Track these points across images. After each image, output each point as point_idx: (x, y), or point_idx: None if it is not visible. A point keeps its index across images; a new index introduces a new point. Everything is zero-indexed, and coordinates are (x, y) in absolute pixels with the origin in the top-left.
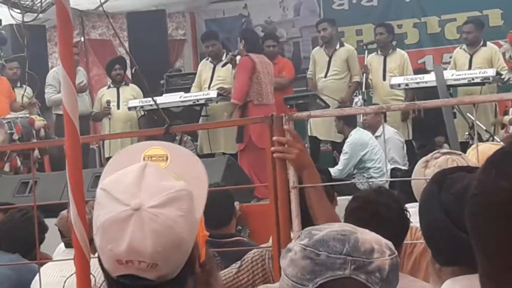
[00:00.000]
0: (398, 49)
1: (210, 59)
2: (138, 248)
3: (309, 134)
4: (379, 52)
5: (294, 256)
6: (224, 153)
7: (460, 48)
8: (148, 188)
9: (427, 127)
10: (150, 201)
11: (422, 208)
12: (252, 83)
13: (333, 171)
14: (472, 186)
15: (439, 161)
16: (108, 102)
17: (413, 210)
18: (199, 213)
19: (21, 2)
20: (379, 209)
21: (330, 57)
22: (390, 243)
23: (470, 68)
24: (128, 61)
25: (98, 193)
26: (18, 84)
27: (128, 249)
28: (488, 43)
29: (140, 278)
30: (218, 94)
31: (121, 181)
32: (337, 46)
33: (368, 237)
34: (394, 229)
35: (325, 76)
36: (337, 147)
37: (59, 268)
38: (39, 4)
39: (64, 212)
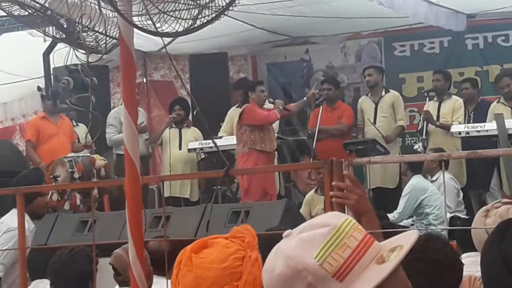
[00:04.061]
0: (453, 96)
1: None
2: None
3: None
4: (435, 98)
5: None
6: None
7: (498, 101)
8: None
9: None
10: None
11: (483, 257)
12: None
13: (392, 215)
14: None
15: (499, 210)
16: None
17: (472, 259)
18: None
19: (86, 42)
20: (437, 256)
21: (377, 104)
22: None
23: None
24: (189, 103)
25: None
26: (74, 124)
27: None
28: None
29: None
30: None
31: None
32: (383, 93)
33: None
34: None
35: (374, 123)
36: (392, 192)
37: None
38: (104, 45)
39: (118, 250)
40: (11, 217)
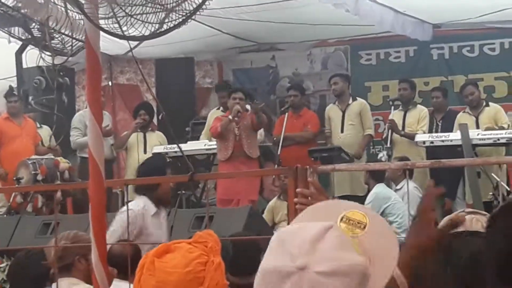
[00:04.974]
0: (419, 105)
1: (221, 108)
2: None
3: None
4: (401, 107)
5: None
6: None
7: (464, 111)
8: (322, 251)
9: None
10: (318, 266)
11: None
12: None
13: None
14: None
15: None
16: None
17: None
18: None
19: (52, 44)
20: None
21: (344, 112)
22: None
23: (478, 127)
24: (155, 107)
25: (274, 237)
26: (38, 125)
27: None
28: (490, 103)
29: None
30: None
31: (299, 235)
32: (350, 101)
33: None
34: None
35: (342, 131)
36: (360, 200)
37: None
38: (70, 47)
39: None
40: (135, 202)
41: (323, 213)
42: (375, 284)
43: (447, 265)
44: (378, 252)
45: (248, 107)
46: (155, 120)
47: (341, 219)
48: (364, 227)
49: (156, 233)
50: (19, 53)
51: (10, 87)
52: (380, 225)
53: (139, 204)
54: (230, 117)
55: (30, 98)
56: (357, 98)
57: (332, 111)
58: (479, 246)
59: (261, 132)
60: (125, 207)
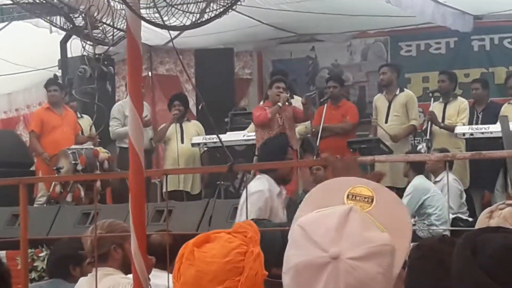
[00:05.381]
0: (459, 97)
1: None
2: None
3: None
4: (441, 99)
5: None
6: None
7: (509, 102)
8: (350, 236)
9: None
10: (350, 252)
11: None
12: None
13: None
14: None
15: (504, 212)
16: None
17: None
18: (397, 269)
19: (93, 34)
20: (444, 258)
21: (390, 102)
22: None
23: None
24: (193, 98)
25: (295, 230)
26: (79, 115)
27: None
28: None
29: None
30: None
31: (322, 223)
32: (397, 92)
33: None
34: None
35: (386, 122)
36: (400, 192)
37: None
38: (111, 37)
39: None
40: (259, 182)
41: (328, 194)
42: (398, 257)
43: (474, 261)
44: (391, 224)
45: (297, 98)
46: (194, 111)
47: (347, 197)
48: (372, 201)
49: (280, 213)
50: (63, 42)
51: (55, 75)
52: (388, 197)
53: (264, 184)
54: (280, 104)
55: (73, 87)
56: (405, 89)
57: (379, 100)
58: (503, 239)
59: (307, 124)
60: (253, 189)
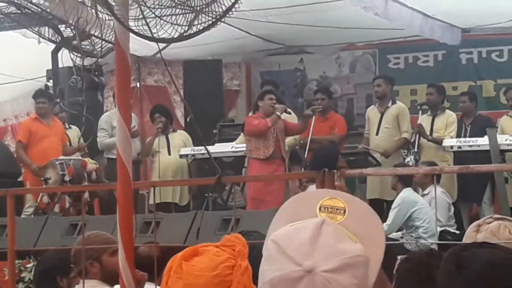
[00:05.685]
0: (447, 110)
1: None
2: None
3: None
4: (429, 112)
5: None
6: None
7: (507, 115)
8: (323, 249)
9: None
10: (324, 265)
11: None
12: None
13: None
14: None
15: (491, 226)
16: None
17: None
18: (372, 279)
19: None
20: (431, 271)
21: (382, 114)
22: None
23: None
24: (182, 109)
25: (269, 245)
26: (67, 126)
27: None
28: None
29: None
30: None
31: (295, 237)
32: (389, 104)
33: None
34: None
35: (377, 134)
36: (389, 205)
37: None
38: (99, 48)
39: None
40: None
41: (301, 207)
42: (372, 267)
43: (459, 275)
44: (365, 234)
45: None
46: (182, 122)
47: (320, 209)
48: (344, 212)
49: None
50: (55, 52)
51: (46, 86)
52: (360, 207)
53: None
54: (279, 113)
55: (64, 98)
56: (397, 101)
57: (372, 112)
58: (490, 254)
59: (295, 136)
60: None
